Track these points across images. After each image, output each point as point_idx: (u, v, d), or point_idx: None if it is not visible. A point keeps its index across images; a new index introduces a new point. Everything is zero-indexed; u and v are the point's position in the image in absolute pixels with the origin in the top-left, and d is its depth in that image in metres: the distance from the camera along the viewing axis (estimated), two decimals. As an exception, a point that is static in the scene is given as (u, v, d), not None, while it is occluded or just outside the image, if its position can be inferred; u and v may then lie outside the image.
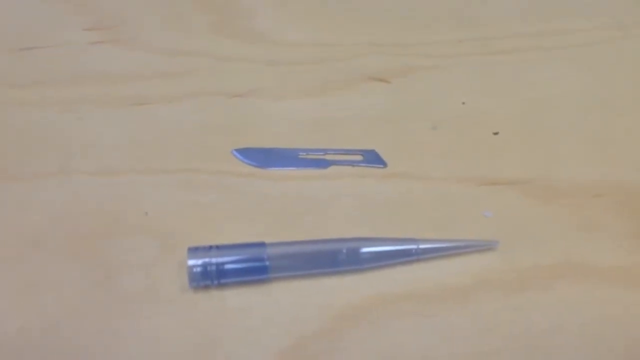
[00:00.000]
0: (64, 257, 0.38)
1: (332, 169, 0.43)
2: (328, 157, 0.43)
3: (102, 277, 0.37)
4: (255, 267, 0.37)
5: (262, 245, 0.37)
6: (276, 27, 0.51)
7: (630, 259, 0.39)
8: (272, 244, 0.37)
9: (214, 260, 0.36)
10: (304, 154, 0.43)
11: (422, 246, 0.38)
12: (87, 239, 0.39)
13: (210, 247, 0.37)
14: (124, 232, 0.39)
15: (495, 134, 0.45)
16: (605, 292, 0.38)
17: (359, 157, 0.43)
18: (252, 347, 0.35)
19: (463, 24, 0.52)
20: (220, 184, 0.42)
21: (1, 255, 0.38)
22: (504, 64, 0.49)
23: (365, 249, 0.37)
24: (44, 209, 0.40)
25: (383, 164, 0.43)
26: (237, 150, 0.43)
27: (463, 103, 0.47)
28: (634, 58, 0.50)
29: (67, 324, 0.36)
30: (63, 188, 0.41)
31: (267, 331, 0.36)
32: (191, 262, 0.36)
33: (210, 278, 0.36)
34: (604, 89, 0.48)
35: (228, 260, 0.36)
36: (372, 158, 0.43)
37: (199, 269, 0.36)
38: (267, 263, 0.37)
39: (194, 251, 0.36)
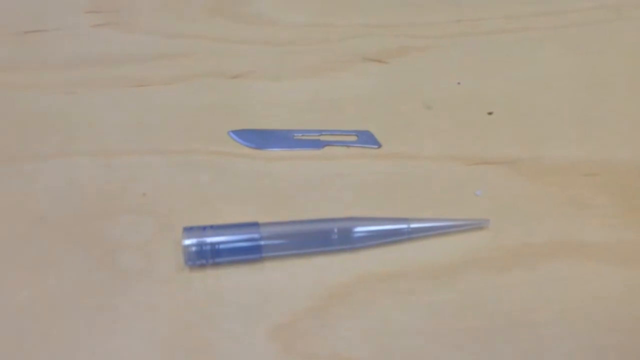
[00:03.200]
0: (64, 236, 0.39)
1: (327, 150, 0.43)
2: (323, 138, 0.44)
3: (101, 256, 0.38)
4: (248, 246, 0.37)
5: (255, 225, 0.38)
6: (272, 9, 0.52)
7: (618, 237, 0.39)
8: (266, 224, 0.38)
9: (208, 240, 0.37)
10: (299, 135, 0.44)
11: (413, 225, 0.38)
12: (86, 219, 0.40)
13: (205, 227, 0.37)
14: (122, 212, 0.40)
15: (490, 114, 0.45)
16: (593, 270, 0.38)
17: (353, 138, 0.44)
18: (246, 324, 0.36)
19: (458, 5, 0.52)
20: (217, 165, 0.42)
21: (3, 235, 0.39)
22: (499, 44, 0.49)
23: (357, 229, 0.38)
24: (44, 189, 0.41)
25: (377, 144, 0.44)
26: (233, 131, 0.44)
27: (458, 83, 0.47)
28: (626, 40, 0.50)
29: (67, 301, 0.37)
30: (63, 169, 0.42)
31: (261, 309, 0.37)
32: (186, 241, 0.37)
33: (205, 257, 0.37)
34: (596, 69, 0.48)
35: (222, 240, 0.37)
36: (367, 139, 0.44)
37: (194, 249, 0.37)
38: (261, 243, 0.37)
39: (189, 231, 0.37)
